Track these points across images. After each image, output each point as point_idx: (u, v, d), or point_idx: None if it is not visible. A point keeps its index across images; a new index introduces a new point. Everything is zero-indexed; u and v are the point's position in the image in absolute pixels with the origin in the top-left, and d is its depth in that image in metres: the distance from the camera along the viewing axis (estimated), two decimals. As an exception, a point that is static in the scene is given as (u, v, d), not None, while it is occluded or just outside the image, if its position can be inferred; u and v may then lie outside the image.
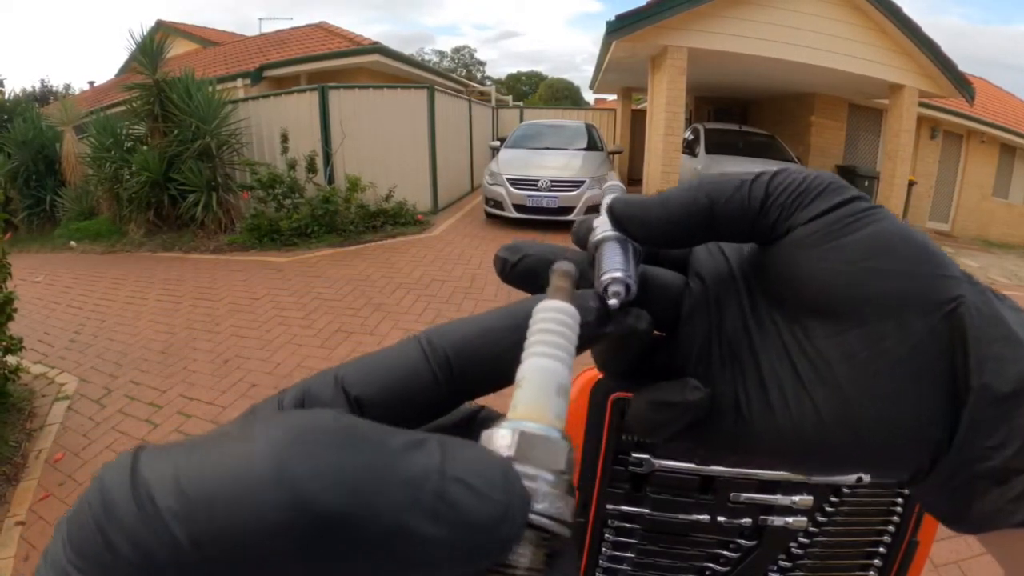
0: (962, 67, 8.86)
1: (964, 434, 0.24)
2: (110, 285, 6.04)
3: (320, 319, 4.88)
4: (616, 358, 0.30)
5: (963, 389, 0.24)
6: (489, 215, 9.00)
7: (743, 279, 0.30)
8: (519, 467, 0.17)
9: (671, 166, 8.52)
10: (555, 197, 8.30)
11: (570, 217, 8.33)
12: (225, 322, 4.80)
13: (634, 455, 0.96)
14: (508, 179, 8.48)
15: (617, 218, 0.28)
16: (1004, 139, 12.99)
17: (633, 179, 13.13)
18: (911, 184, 10.02)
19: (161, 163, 7.85)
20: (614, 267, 0.27)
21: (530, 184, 8.40)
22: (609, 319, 0.26)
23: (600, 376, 0.90)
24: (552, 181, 8.37)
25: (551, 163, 8.83)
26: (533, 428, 0.18)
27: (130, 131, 8.61)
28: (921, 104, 9.56)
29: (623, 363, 0.30)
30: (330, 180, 8.66)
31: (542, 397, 0.19)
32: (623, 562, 1.00)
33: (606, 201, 0.31)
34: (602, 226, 0.29)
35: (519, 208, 8.42)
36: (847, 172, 11.13)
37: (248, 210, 8.10)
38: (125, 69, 11.59)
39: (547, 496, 0.17)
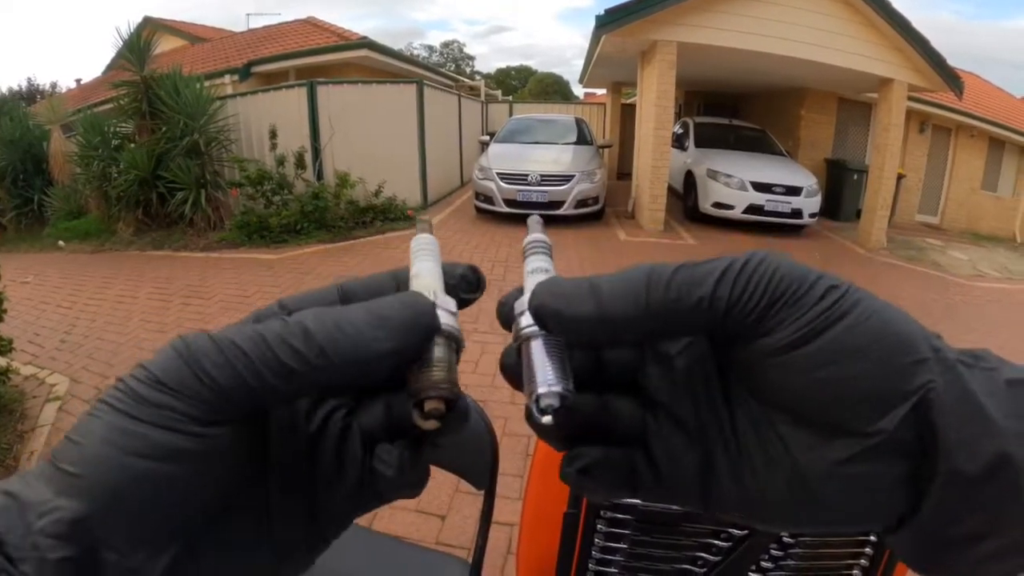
0: (952, 62, 8.88)
1: (931, 510, 0.23)
2: (100, 284, 6.00)
3: (312, 317, 4.84)
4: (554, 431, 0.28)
5: (930, 468, 0.23)
6: (479, 210, 8.98)
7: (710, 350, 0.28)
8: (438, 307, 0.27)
9: (661, 160, 8.53)
10: (545, 192, 8.32)
11: (560, 212, 8.36)
12: (216, 320, 4.78)
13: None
14: (498, 173, 8.48)
15: (537, 314, 0.26)
16: (993, 133, 13.11)
17: (623, 173, 13.17)
18: (900, 177, 10.07)
19: (149, 161, 7.80)
20: (545, 379, 0.25)
21: (520, 179, 8.40)
22: None
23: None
24: (542, 175, 8.39)
25: (541, 157, 8.85)
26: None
27: (118, 129, 8.54)
28: (910, 98, 9.61)
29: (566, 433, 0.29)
30: (319, 176, 8.65)
31: (432, 280, 0.29)
32: (616, 553, 1.01)
33: (529, 284, 0.29)
34: (528, 315, 0.27)
35: (509, 203, 8.42)
36: (836, 165, 11.24)
37: (237, 207, 8.09)
38: (112, 66, 11.50)
39: (446, 316, 0.27)
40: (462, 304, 0.29)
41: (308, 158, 8.47)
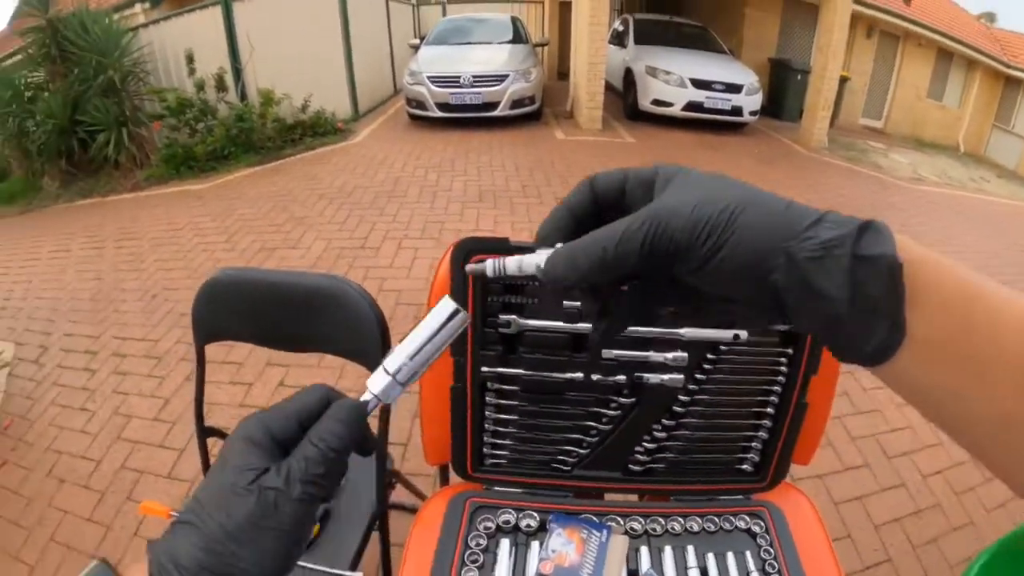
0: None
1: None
2: (32, 244, 5.66)
3: (243, 240, 4.80)
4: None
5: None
6: (412, 116, 8.69)
7: None
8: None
9: (597, 56, 8.22)
10: (479, 93, 8.09)
11: (496, 113, 8.19)
12: (149, 258, 4.66)
13: (502, 316, 0.94)
14: (429, 77, 8.19)
15: (550, 277, 0.39)
16: (941, 43, 13.00)
17: (563, 72, 12.60)
18: (844, 80, 9.91)
19: (66, 107, 7.27)
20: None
21: (452, 81, 8.13)
22: None
23: (460, 241, 0.89)
24: (475, 77, 8.12)
25: (474, 58, 8.55)
26: None
27: (30, 80, 7.87)
28: (858, 2, 9.40)
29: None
30: (243, 97, 8.25)
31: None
32: (508, 424, 1.03)
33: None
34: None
35: (442, 107, 8.19)
36: (780, 65, 11.13)
37: (161, 141, 7.67)
38: (17, 15, 10.52)
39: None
40: None
41: (229, 79, 8.07)
